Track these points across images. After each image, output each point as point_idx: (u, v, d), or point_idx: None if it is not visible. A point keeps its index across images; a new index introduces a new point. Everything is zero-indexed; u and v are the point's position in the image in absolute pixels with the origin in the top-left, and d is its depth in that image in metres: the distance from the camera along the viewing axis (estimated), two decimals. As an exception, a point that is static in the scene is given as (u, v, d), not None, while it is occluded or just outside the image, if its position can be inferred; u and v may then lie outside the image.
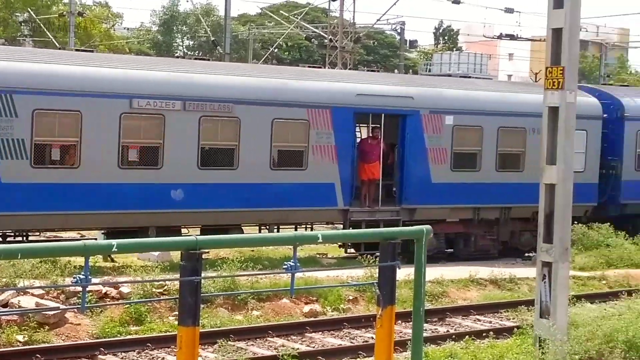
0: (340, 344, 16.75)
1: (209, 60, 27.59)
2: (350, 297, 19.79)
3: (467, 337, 16.38)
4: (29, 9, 55.51)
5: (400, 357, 15.02)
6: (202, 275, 8.67)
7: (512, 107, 27.12)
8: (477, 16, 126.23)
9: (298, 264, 9.10)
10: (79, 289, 12.74)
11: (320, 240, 9.64)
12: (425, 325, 17.40)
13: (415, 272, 10.13)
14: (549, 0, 14.58)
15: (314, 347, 16.53)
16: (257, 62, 35.15)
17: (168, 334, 16.08)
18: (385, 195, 25.41)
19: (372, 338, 15.18)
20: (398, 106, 25.03)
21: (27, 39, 60.06)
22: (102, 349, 15.33)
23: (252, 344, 16.47)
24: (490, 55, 76.35)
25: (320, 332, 17.57)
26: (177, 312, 12.54)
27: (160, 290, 17.90)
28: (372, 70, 30.95)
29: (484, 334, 17.31)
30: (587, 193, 27.73)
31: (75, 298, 17.03)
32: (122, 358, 15.35)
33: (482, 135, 26.42)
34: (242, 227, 23.61)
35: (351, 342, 17.00)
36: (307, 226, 24.89)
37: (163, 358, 15.43)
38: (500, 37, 47.75)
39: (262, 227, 23.78)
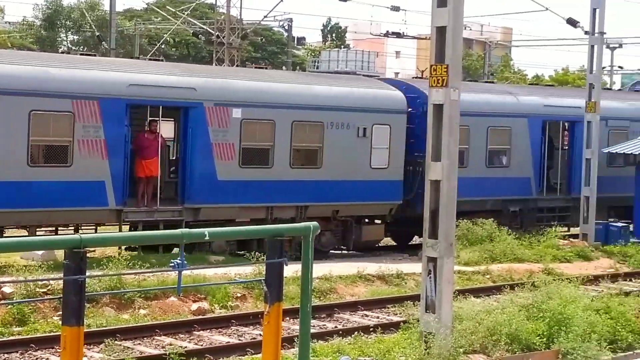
0: (228, 342, 16.71)
1: (95, 56, 26.92)
2: (239, 295, 19.74)
3: (354, 332, 16.51)
4: None
5: (288, 354, 15.06)
6: (87, 274, 8.54)
7: (309, 100, 25.70)
8: (365, 14, 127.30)
9: (185, 262, 9.03)
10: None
11: (207, 237, 9.58)
12: (313, 321, 17.56)
13: (303, 269, 10.16)
14: (433, -1, 14.80)
15: (202, 345, 16.45)
16: (144, 57, 34.70)
17: (52, 334, 15.79)
18: (175, 194, 24.29)
19: (260, 335, 15.18)
20: (178, 98, 23.46)
21: None
22: (-17, 350, 14.98)
23: (139, 343, 16.30)
24: (378, 52, 77.22)
25: (208, 330, 17.50)
26: (61, 312, 12.32)
27: (44, 290, 17.57)
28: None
29: (371, 329, 17.47)
30: (392, 191, 27.03)
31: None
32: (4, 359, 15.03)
33: (274, 129, 24.92)
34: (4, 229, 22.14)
35: (239, 340, 16.97)
36: (73, 227, 22.90)
37: (47, 359, 15.15)
38: (387, 34, 48.21)
39: (23, 229, 22.22)
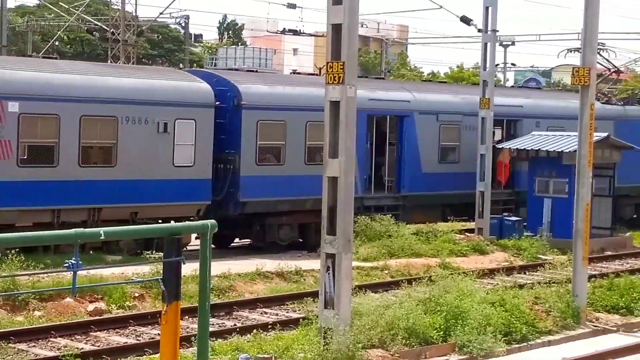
0: (126, 342, 16.53)
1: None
2: (137, 294, 19.54)
3: (253, 330, 16.49)
4: None
5: (187, 353, 14.96)
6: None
7: (99, 93, 23.91)
8: (261, 11, 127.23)
9: (80, 262, 8.88)
10: None
11: (102, 237, 9.44)
12: (212, 319, 17.49)
13: (201, 267, 10.08)
14: (329, -4, 14.84)
15: (99, 346, 16.24)
16: (37, 55, 34.06)
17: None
18: None
19: (159, 335, 15.05)
20: None
21: None
22: None
23: (34, 345, 16.00)
24: (276, 50, 77.21)
25: (105, 331, 17.28)
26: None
27: None
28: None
29: (270, 327, 17.47)
30: (198, 190, 25.50)
31: None
32: None
33: (59, 125, 23.10)
34: None
35: (137, 340, 16.80)
36: None
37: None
38: (284, 32, 48.21)
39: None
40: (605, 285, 21.51)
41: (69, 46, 72.18)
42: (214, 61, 66.45)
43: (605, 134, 30.56)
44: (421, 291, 18.57)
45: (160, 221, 24.53)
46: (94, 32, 52.96)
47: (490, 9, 29.83)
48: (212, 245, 27.88)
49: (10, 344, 15.61)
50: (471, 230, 30.43)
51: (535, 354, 17.20)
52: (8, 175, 22.42)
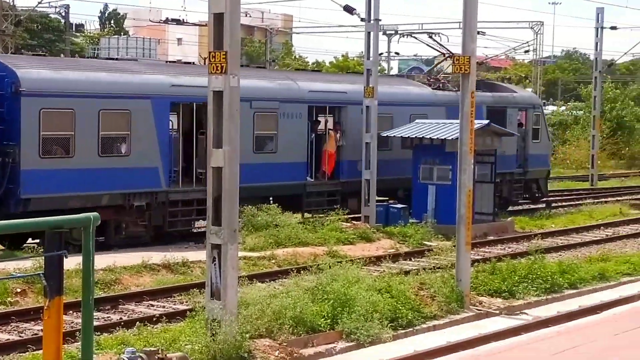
0: (8, 339, 16.18)
1: None
2: (19, 290, 19.13)
3: (139, 323, 16.33)
4: None
5: (72, 348, 14.74)
6: None
7: None
8: (144, 0, 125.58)
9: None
10: None
11: (-22, 232, 9.21)
12: (97, 313, 17.25)
13: (84, 261, 9.93)
14: (210, -15, 14.74)
15: (-21, 344, 15.86)
16: None
17: None
18: None
19: (42, 331, 14.79)
20: None
21: None
22: None
23: None
24: (160, 40, 76.43)
25: (-14, 328, 16.89)
26: None
27: None
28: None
29: (156, 319, 17.31)
30: None
31: None
32: None
33: None
34: None
35: (20, 336, 16.47)
36: None
37: None
38: (167, 21, 47.75)
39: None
40: (488, 269, 21.95)
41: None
42: (96, 52, 65.40)
43: (486, 121, 31.15)
44: (309, 280, 18.66)
45: None
46: (-30, 22, 51.60)
47: (372, -2, 30.07)
48: (2, 247, 25.51)
49: None
50: (358, 219, 30.67)
51: (421, 338, 17.45)
52: None
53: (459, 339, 16.85)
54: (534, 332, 16.05)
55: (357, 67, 76.43)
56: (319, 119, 32.82)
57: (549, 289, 21.54)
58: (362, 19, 31.21)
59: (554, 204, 40.13)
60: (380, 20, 30.77)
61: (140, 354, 12.86)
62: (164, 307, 19.22)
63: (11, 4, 48.75)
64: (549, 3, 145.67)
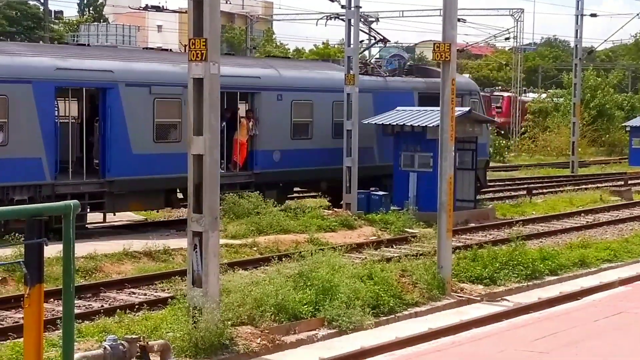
0: (-11, 327, 16.12)
1: None
2: (-1, 278, 19.07)
3: (121, 310, 16.29)
4: None
5: (53, 336, 14.70)
6: None
7: None
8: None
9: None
10: None
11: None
12: (78, 301, 17.20)
13: (64, 249, 9.88)
14: (190, -29, 14.68)
15: (-40, 332, 15.79)
16: None
17: None
18: None
19: (23, 319, 14.74)
20: None
21: None
22: None
23: None
24: (140, 27, 76.16)
25: (-34, 317, 16.82)
26: None
27: None
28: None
29: (137, 307, 17.27)
30: None
31: None
32: None
33: None
34: None
35: (0, 324, 16.40)
36: None
37: None
38: (146, 8, 47.56)
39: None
40: (469, 256, 22.00)
41: None
42: (75, 39, 65.07)
43: (467, 109, 31.17)
44: (290, 267, 18.65)
45: None
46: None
47: (353, -15, 30.01)
48: None
49: None
50: (339, 208, 30.64)
51: (402, 325, 17.48)
52: None
53: (440, 325, 16.89)
54: (515, 319, 16.08)
55: (337, 54, 76.36)
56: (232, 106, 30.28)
57: (529, 276, 21.61)
58: (342, 6, 31.15)
59: (534, 191, 40.23)
60: (360, 7, 30.74)
61: (122, 342, 12.82)
62: (145, 294, 19.18)
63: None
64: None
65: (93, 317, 16.54)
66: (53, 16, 60.13)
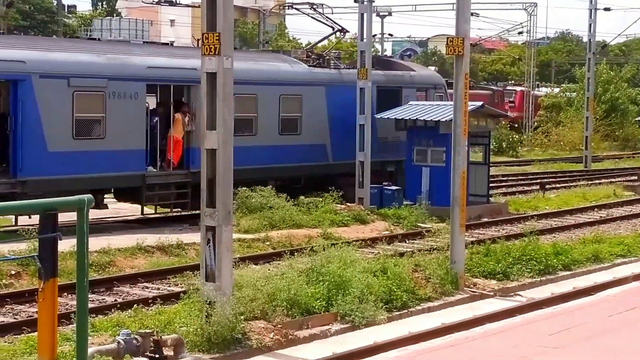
0: (3, 321, 16.18)
1: None
2: (13, 272, 19.12)
3: (134, 305, 16.33)
4: None
5: (67, 330, 14.74)
6: None
7: None
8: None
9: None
10: None
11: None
12: (91, 295, 17.25)
13: (78, 243, 9.91)
14: (204, -34, 14.68)
15: (-26, 326, 15.85)
16: None
17: None
18: None
19: (37, 312, 14.79)
20: None
21: None
22: None
23: None
24: (152, 21, 76.13)
25: (-19, 310, 16.88)
26: None
27: None
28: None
29: (150, 301, 17.31)
30: None
31: None
32: None
33: None
34: None
35: (14, 318, 16.47)
36: None
37: None
38: (159, 2, 47.56)
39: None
40: (482, 251, 21.97)
41: None
42: (88, 33, 65.17)
43: (480, 103, 31.10)
44: (303, 262, 18.65)
45: None
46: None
47: (366, -21, 29.96)
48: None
49: None
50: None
51: (415, 320, 17.47)
52: None
53: (453, 320, 16.88)
54: (528, 314, 16.06)
55: (350, 48, 76.23)
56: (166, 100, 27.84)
57: (543, 271, 21.56)
58: (355, 0, 31.12)
59: (547, 186, 40.15)
60: (373, 1, 30.71)
61: (136, 336, 12.86)
62: (158, 289, 19.22)
63: (3, -15, 48.60)
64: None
65: (107, 311, 16.58)
66: (66, 10, 60.16)
